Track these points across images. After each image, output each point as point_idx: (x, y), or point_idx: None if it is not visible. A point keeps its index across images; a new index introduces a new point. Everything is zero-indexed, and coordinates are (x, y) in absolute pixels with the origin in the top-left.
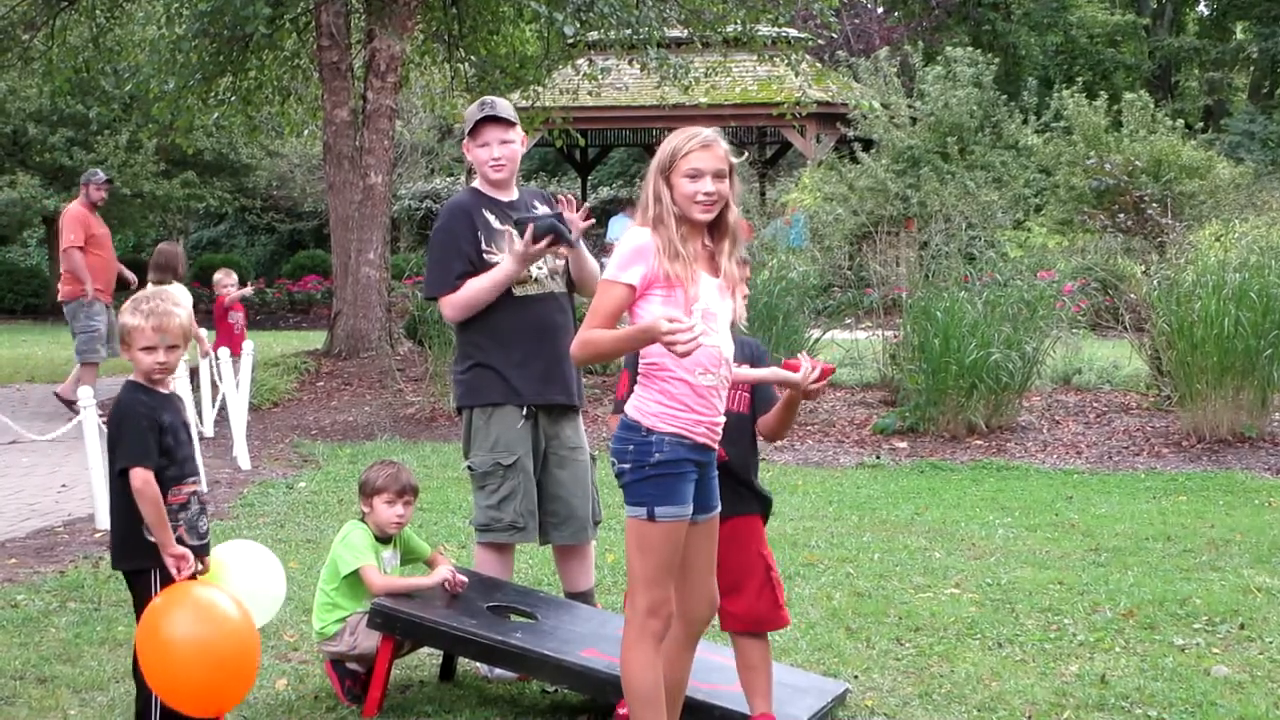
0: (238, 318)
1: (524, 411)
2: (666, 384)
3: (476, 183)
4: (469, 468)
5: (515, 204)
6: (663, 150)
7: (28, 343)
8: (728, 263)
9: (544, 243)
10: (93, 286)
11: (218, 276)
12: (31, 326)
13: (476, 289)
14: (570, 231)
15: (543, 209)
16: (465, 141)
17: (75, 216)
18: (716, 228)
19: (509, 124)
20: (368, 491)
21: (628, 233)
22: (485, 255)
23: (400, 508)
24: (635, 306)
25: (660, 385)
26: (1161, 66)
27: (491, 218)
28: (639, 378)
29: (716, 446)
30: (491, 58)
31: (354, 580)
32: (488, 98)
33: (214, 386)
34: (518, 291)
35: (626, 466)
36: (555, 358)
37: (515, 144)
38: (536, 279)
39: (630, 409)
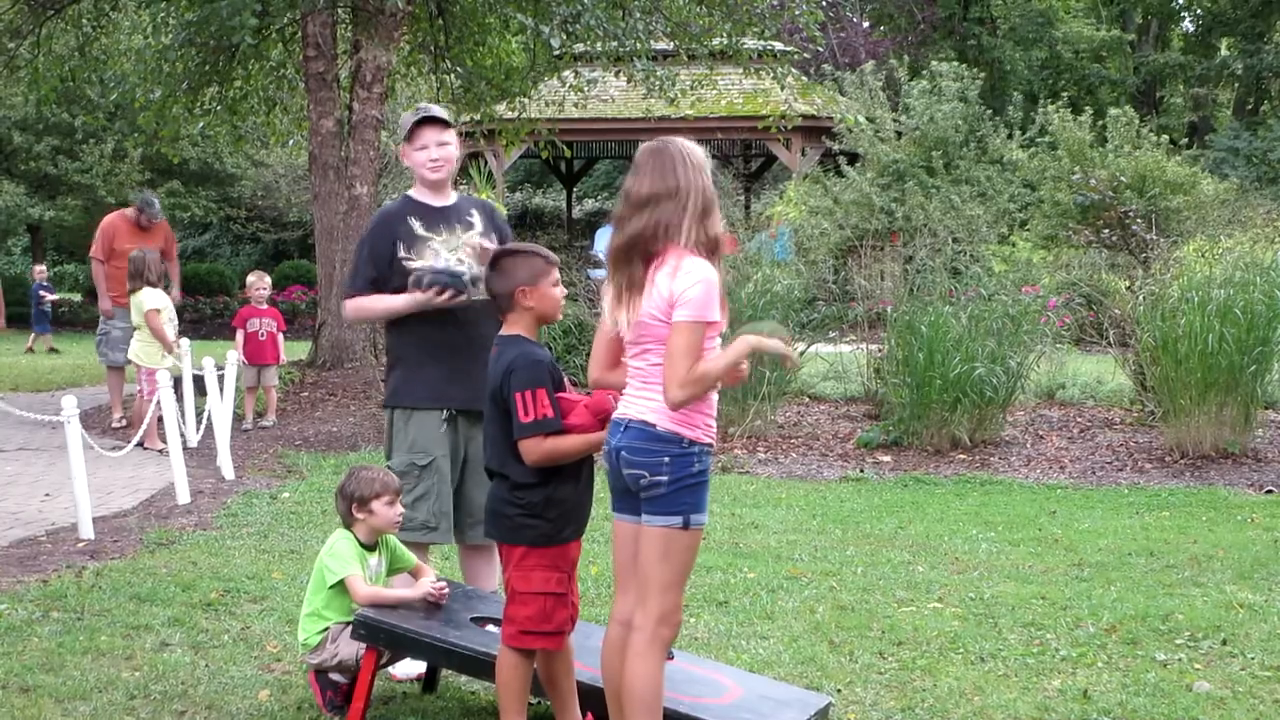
0: (258, 324)
1: (444, 415)
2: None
3: (413, 189)
4: (388, 468)
5: (450, 209)
6: (708, 191)
7: (12, 351)
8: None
9: (444, 296)
10: (108, 299)
11: (250, 279)
12: (16, 335)
13: (373, 306)
14: (466, 282)
15: (478, 219)
16: (402, 147)
17: (103, 228)
18: None
19: (445, 125)
20: (366, 497)
21: (692, 267)
22: (404, 261)
23: (398, 506)
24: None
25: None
26: (1146, 82)
27: (417, 225)
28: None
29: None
30: (477, 69)
31: (339, 591)
32: (422, 104)
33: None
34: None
35: (663, 479)
36: (477, 364)
37: (452, 146)
38: None
39: (662, 420)
